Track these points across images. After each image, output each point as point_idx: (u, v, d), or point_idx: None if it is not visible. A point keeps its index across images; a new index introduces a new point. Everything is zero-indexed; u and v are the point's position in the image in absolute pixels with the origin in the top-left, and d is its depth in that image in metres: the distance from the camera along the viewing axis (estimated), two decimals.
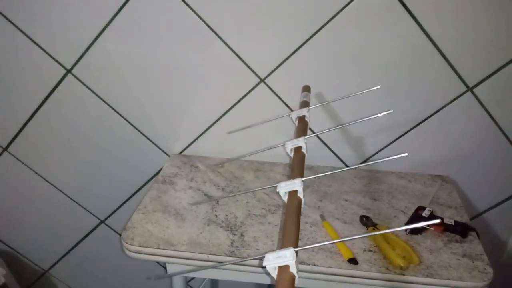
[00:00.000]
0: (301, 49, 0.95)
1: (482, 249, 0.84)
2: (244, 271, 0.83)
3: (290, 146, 0.65)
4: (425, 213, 0.90)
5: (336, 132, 1.06)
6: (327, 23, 0.92)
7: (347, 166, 1.10)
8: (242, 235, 0.86)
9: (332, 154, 1.09)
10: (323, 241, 0.84)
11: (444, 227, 0.88)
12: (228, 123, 1.07)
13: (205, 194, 0.98)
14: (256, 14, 0.93)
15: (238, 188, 1.01)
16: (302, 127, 0.71)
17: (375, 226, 0.87)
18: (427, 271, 0.79)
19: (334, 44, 0.95)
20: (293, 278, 0.41)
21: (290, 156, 0.65)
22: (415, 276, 0.78)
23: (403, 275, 0.78)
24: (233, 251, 0.82)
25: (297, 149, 0.65)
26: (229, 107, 1.05)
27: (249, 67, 0.99)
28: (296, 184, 0.54)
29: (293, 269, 0.41)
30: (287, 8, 0.92)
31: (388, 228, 0.87)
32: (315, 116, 1.04)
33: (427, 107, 1.00)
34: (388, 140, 1.05)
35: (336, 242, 0.84)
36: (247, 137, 1.08)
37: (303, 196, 0.54)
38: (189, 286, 1.38)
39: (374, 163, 0.61)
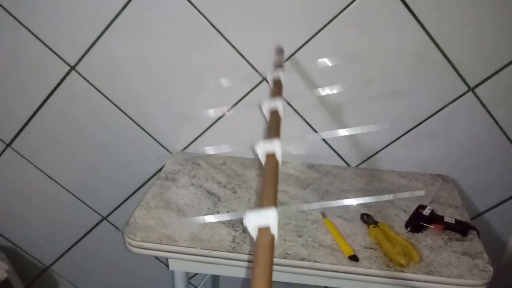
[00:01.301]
0: (303, 48, 0.96)
1: (482, 247, 0.85)
2: (246, 267, 0.84)
3: (267, 106, 0.62)
4: (426, 212, 0.90)
5: (337, 131, 1.06)
6: (329, 22, 0.93)
7: (348, 165, 1.11)
8: (243, 231, 0.87)
9: (334, 153, 1.09)
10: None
11: (444, 226, 0.88)
12: (231, 121, 1.08)
13: (207, 191, 0.99)
14: (259, 13, 0.94)
15: (240, 185, 1.01)
16: (278, 89, 0.69)
17: (376, 224, 0.88)
18: (427, 268, 0.79)
19: (336, 44, 0.95)
20: (273, 239, 0.40)
21: (265, 117, 0.62)
22: (415, 273, 0.78)
23: (404, 272, 0.79)
24: (235, 247, 0.83)
25: (274, 111, 0.62)
26: (232, 105, 1.06)
27: (252, 65, 1.00)
28: (275, 145, 0.52)
29: (274, 231, 0.41)
30: (290, 7, 0.92)
31: (389, 226, 0.88)
32: (318, 115, 1.05)
33: (429, 106, 1.01)
34: (389, 139, 1.06)
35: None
36: (248, 135, 1.09)
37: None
38: (190, 283, 1.39)
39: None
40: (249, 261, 0.82)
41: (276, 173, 0.49)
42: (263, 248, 0.38)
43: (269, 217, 0.41)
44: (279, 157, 0.52)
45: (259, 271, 0.37)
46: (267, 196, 0.45)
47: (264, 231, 0.40)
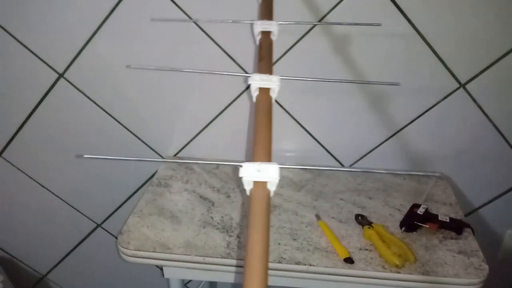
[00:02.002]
0: (293, 48, 0.95)
1: (477, 245, 0.85)
2: (242, 273, 0.83)
3: (259, 27, 0.54)
4: (420, 211, 0.90)
5: (330, 130, 1.06)
6: (319, 21, 0.92)
7: (342, 165, 1.11)
8: (238, 236, 0.86)
9: (327, 153, 1.09)
10: (320, 239, 0.85)
11: (439, 224, 0.88)
12: (223, 124, 1.07)
13: (201, 196, 0.98)
14: (247, 14, 0.93)
15: (234, 189, 1.01)
16: (268, 10, 0.60)
17: (370, 225, 0.87)
18: (422, 268, 0.79)
19: (326, 43, 0.95)
20: (268, 195, 0.37)
21: (255, 40, 0.55)
22: (411, 274, 0.78)
23: (399, 273, 0.78)
24: (229, 253, 0.82)
25: (266, 34, 0.54)
26: (223, 108, 1.05)
27: (242, 68, 0.99)
28: (273, 82, 0.46)
29: (272, 186, 0.38)
30: (279, 8, 0.91)
31: (384, 226, 0.88)
32: (307, 112, 1.04)
33: (420, 104, 1.01)
34: (382, 138, 1.05)
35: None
36: (241, 138, 1.09)
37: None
38: (187, 287, 1.38)
39: None
40: (243, 267, 0.81)
41: (270, 115, 0.44)
42: (257, 203, 0.36)
43: (270, 172, 0.37)
44: (274, 93, 0.46)
45: (253, 227, 0.34)
46: (262, 146, 0.41)
47: (260, 185, 0.37)
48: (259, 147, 0.41)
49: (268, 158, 0.40)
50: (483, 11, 0.89)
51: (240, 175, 0.38)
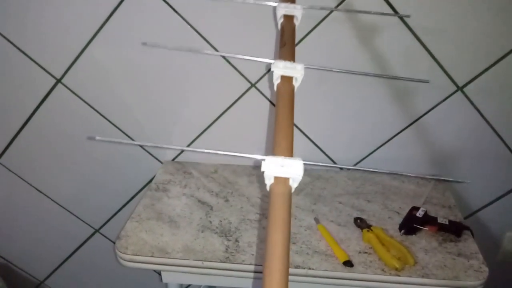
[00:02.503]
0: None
1: (477, 247, 0.84)
2: (241, 277, 0.83)
3: (282, 11, 0.50)
4: (419, 213, 0.90)
5: (328, 133, 1.06)
6: (317, 26, 0.92)
7: (341, 168, 1.10)
8: (236, 240, 0.86)
9: (325, 156, 1.09)
10: (320, 241, 0.84)
11: (438, 227, 0.88)
12: (220, 128, 1.07)
13: (199, 201, 0.98)
14: (245, 18, 0.93)
15: (232, 193, 1.01)
16: None
17: (369, 228, 0.87)
18: (422, 271, 0.79)
19: (325, 47, 0.95)
20: (290, 191, 0.36)
21: (277, 24, 0.50)
22: (410, 277, 0.78)
23: (399, 276, 0.78)
24: (228, 257, 0.82)
25: (289, 19, 0.50)
26: (220, 112, 1.05)
27: (239, 72, 0.99)
28: (297, 70, 0.43)
29: (294, 183, 0.36)
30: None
31: (383, 229, 0.87)
32: (305, 115, 1.04)
33: (418, 107, 1.01)
34: (380, 141, 1.05)
35: None
36: (240, 143, 1.08)
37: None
38: None
39: None
40: (242, 271, 0.81)
41: (292, 106, 0.41)
42: (278, 199, 0.34)
43: (293, 168, 0.36)
44: (297, 82, 0.43)
45: (273, 226, 0.32)
46: (284, 140, 0.39)
47: (282, 180, 0.36)
48: (281, 141, 0.39)
49: (290, 153, 0.39)
50: (480, 14, 0.89)
51: (263, 169, 0.36)
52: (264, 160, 0.37)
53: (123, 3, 0.92)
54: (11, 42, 0.98)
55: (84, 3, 0.94)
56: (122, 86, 1.04)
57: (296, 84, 0.44)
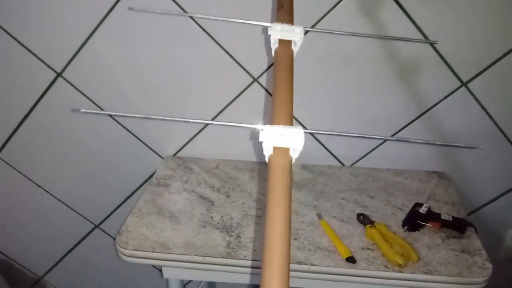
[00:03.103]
0: None
1: (481, 244, 0.84)
2: (243, 273, 0.82)
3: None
4: (422, 210, 0.89)
5: (331, 129, 1.04)
6: (320, 20, 0.91)
7: (343, 164, 1.10)
8: (238, 236, 0.85)
9: (328, 153, 1.08)
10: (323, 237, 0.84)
11: (442, 223, 0.87)
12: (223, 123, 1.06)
13: (200, 196, 0.97)
14: (247, 13, 0.92)
15: (234, 189, 1.00)
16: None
17: (372, 224, 0.86)
18: (426, 268, 0.78)
19: (328, 42, 0.94)
20: (290, 162, 0.34)
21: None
22: (414, 273, 0.77)
23: (402, 272, 0.77)
24: (230, 252, 0.81)
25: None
26: (223, 107, 1.04)
27: (242, 66, 0.98)
28: (296, 33, 0.39)
29: (295, 153, 0.34)
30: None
31: (386, 225, 0.87)
32: (308, 111, 1.03)
33: (422, 103, 1.00)
34: (383, 137, 1.05)
35: None
36: (241, 138, 1.08)
37: None
38: None
39: None
40: (244, 266, 0.80)
41: (291, 72, 0.39)
42: (278, 171, 0.32)
43: (293, 137, 0.34)
44: (296, 47, 0.40)
45: (273, 199, 0.30)
46: (283, 108, 0.37)
47: (281, 151, 0.34)
48: (279, 109, 0.37)
49: (289, 121, 0.36)
50: (485, 9, 0.88)
51: (260, 139, 0.34)
52: (262, 129, 0.35)
53: None
54: (11, 35, 0.97)
55: None
56: (123, 80, 1.03)
57: (295, 48, 0.42)
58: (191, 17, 0.93)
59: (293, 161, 0.34)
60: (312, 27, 0.91)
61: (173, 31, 0.95)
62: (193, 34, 0.95)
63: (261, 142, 0.34)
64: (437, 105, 0.99)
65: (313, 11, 0.90)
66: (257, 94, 1.01)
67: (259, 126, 0.35)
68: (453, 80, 0.96)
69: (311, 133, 1.05)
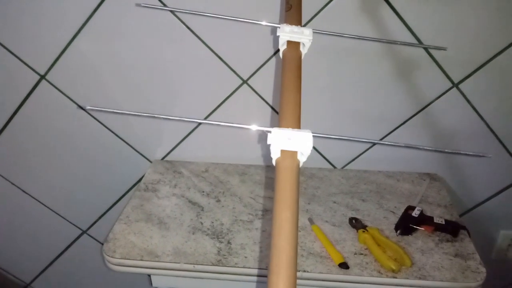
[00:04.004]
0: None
1: (474, 248, 0.83)
2: (234, 280, 0.80)
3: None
4: (415, 213, 0.88)
5: (322, 131, 1.03)
6: (309, 21, 0.90)
7: (334, 167, 1.08)
8: (229, 242, 0.84)
9: (319, 155, 1.07)
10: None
11: (434, 227, 0.86)
12: (211, 126, 1.04)
13: (190, 201, 0.95)
14: (236, 13, 0.90)
15: (224, 193, 0.98)
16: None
17: (365, 228, 0.85)
18: (419, 273, 0.77)
19: (318, 42, 0.92)
20: (298, 166, 0.33)
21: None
22: (407, 278, 0.76)
23: (396, 278, 0.76)
24: (220, 259, 0.79)
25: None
26: (212, 109, 1.02)
27: (231, 68, 0.96)
28: (305, 35, 0.38)
29: (302, 157, 0.34)
30: (268, 7, 0.89)
31: (378, 229, 0.85)
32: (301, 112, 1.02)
33: (413, 104, 0.99)
34: (375, 138, 1.03)
35: None
36: (231, 140, 1.06)
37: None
38: None
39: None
40: (235, 274, 0.79)
41: (299, 74, 0.39)
42: (286, 175, 0.32)
43: (302, 141, 0.34)
44: (304, 49, 0.40)
45: (280, 203, 0.30)
46: (291, 111, 0.37)
47: (289, 154, 0.33)
48: (288, 111, 0.37)
49: (297, 124, 0.36)
50: (476, 10, 0.87)
51: (268, 142, 0.34)
52: (270, 132, 0.34)
53: None
54: None
55: None
56: (110, 83, 1.00)
57: (303, 50, 0.41)
58: (178, 18, 0.91)
59: (301, 165, 0.33)
60: (308, 22, 0.90)
61: (160, 32, 0.93)
62: (181, 35, 0.92)
63: (268, 145, 0.34)
64: (428, 106, 0.98)
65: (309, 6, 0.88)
66: (247, 96, 0.99)
67: (267, 129, 0.34)
68: (444, 81, 0.95)
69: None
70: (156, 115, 0.45)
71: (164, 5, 0.89)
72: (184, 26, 0.91)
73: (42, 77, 0.99)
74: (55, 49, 0.96)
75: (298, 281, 0.78)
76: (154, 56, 0.96)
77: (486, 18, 0.88)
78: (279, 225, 0.29)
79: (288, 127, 0.35)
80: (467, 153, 0.40)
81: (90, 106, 0.45)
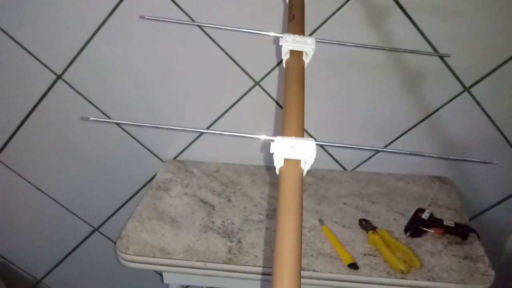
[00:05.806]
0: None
1: (483, 251, 0.83)
2: (245, 279, 0.81)
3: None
4: (425, 215, 0.89)
5: (333, 135, 1.04)
6: (322, 24, 0.91)
7: (344, 169, 1.09)
8: (239, 241, 0.85)
9: (329, 157, 1.07)
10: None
11: (444, 229, 0.86)
12: (223, 127, 1.06)
13: (201, 200, 0.96)
14: (250, 16, 0.91)
15: (235, 193, 0.99)
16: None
17: (374, 230, 0.86)
18: (428, 274, 0.78)
19: (330, 46, 0.93)
20: (301, 175, 0.33)
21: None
22: (416, 280, 0.77)
23: (405, 279, 0.77)
24: (231, 258, 0.81)
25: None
26: (224, 110, 1.04)
27: (243, 70, 0.97)
28: (307, 45, 0.39)
29: (306, 166, 0.34)
30: (281, 9, 0.90)
31: (388, 231, 0.86)
32: (311, 118, 1.02)
33: (425, 108, 0.99)
34: (386, 141, 1.04)
35: None
36: (242, 142, 1.07)
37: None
38: None
39: None
40: (245, 272, 0.80)
41: (302, 83, 0.39)
42: (289, 184, 0.32)
43: (305, 149, 0.34)
44: (307, 58, 0.40)
45: (284, 212, 0.30)
46: (294, 119, 0.37)
47: (292, 163, 0.33)
48: (291, 120, 0.37)
49: (301, 133, 0.36)
50: (487, 14, 0.88)
51: (272, 151, 0.34)
52: (273, 141, 0.35)
53: None
54: (10, 37, 0.96)
55: None
56: (124, 84, 1.02)
57: (306, 59, 0.41)
58: (193, 21, 0.92)
59: (304, 174, 0.34)
60: (315, 31, 0.91)
61: (175, 34, 0.95)
62: (195, 37, 0.94)
63: (272, 154, 0.34)
64: (440, 110, 0.99)
65: (317, 14, 0.90)
66: (259, 97, 1.00)
67: (270, 137, 0.35)
68: (455, 85, 0.95)
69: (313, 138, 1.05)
70: (159, 125, 0.45)
71: (184, 12, 0.91)
72: (199, 28, 0.93)
73: (59, 76, 1.01)
74: (72, 50, 0.98)
75: (308, 281, 0.79)
76: (168, 57, 0.97)
77: (499, 22, 0.88)
78: (283, 235, 0.29)
79: (291, 136, 0.36)
80: (473, 159, 0.41)
81: (93, 118, 0.46)
